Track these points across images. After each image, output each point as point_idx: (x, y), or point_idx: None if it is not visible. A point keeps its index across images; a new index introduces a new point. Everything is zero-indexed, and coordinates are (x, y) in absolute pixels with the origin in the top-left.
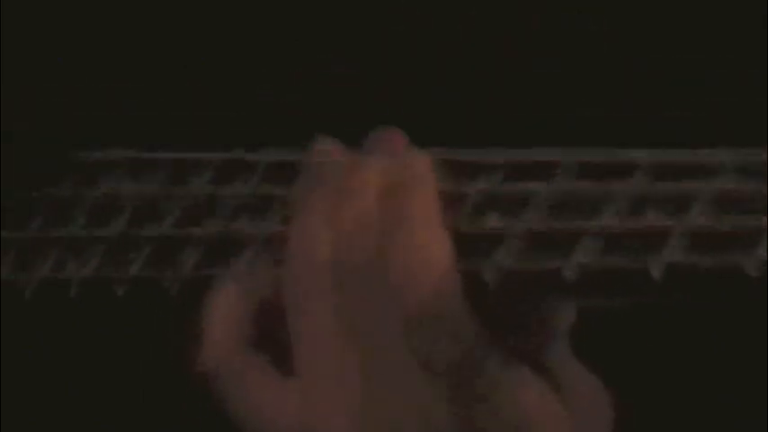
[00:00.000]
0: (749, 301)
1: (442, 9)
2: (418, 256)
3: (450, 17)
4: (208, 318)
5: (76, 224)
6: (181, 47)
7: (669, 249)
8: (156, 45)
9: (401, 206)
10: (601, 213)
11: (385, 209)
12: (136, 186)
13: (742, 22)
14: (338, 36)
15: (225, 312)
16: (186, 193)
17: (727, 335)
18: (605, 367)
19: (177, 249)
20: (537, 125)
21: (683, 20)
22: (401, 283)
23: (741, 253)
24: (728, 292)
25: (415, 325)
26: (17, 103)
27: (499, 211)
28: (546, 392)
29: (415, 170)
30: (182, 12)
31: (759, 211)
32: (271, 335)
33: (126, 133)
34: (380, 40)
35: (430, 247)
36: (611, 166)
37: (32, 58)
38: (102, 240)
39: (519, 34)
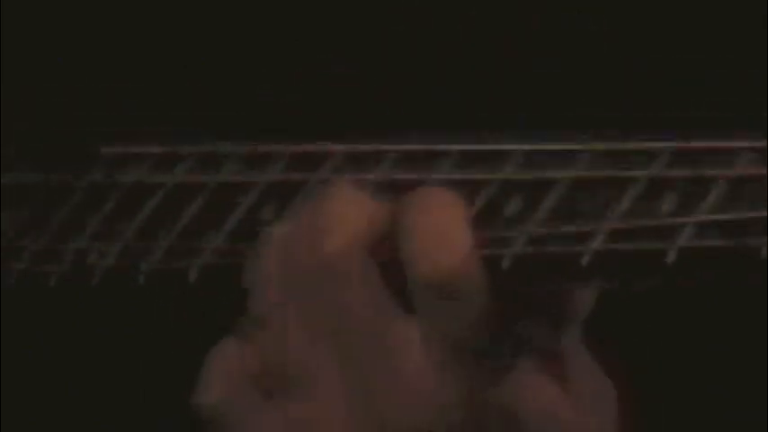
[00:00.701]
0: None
1: (442, 9)
2: (434, 229)
3: (450, 17)
4: (208, 368)
5: (99, 215)
6: (181, 47)
7: (684, 234)
8: (155, 45)
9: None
10: (616, 201)
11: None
12: (157, 178)
13: (742, 22)
14: (338, 36)
15: (225, 364)
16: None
17: (743, 318)
18: (618, 350)
19: (199, 239)
20: (536, 126)
21: (683, 20)
22: (417, 253)
23: (757, 237)
24: (744, 277)
25: (431, 294)
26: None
27: (517, 198)
28: (552, 386)
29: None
30: (182, 12)
31: None
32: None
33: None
34: (380, 40)
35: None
36: (627, 154)
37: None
38: (125, 230)
39: (519, 34)
